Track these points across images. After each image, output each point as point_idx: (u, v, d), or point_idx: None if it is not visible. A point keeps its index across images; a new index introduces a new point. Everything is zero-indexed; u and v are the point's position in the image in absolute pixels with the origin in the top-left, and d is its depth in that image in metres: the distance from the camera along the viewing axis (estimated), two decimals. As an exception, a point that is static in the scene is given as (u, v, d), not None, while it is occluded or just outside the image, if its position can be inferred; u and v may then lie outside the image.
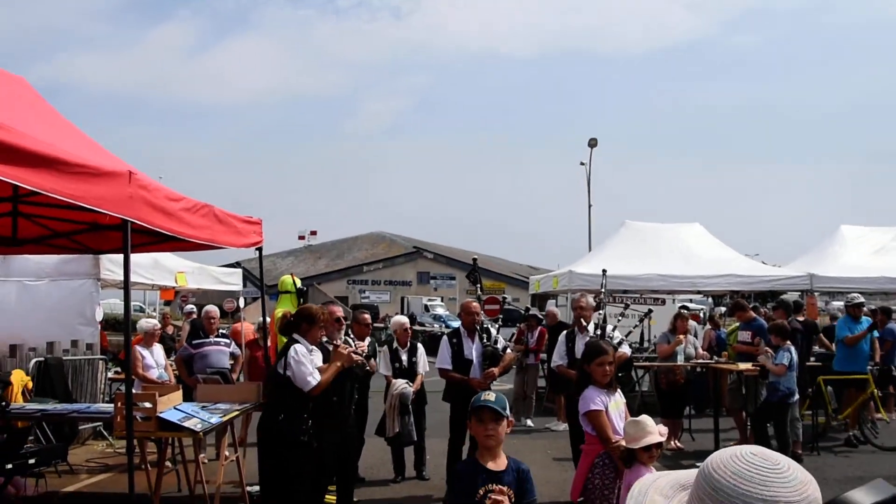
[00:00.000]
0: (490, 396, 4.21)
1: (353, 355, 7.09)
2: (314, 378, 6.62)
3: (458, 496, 4.07)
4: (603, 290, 11.31)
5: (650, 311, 11.46)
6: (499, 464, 4.12)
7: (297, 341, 6.83)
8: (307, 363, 6.65)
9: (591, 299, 9.45)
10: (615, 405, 5.92)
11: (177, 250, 10.13)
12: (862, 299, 12.81)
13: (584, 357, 6.11)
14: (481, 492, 3.94)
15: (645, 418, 5.28)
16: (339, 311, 7.97)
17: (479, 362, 8.88)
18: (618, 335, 9.48)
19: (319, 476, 7.59)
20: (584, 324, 9.10)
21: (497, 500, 3.81)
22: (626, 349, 9.39)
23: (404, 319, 10.71)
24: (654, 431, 5.11)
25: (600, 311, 9.71)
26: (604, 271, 11.97)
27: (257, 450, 7.14)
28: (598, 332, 9.07)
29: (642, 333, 13.00)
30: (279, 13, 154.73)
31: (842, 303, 17.64)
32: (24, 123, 5.25)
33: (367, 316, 9.44)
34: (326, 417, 7.41)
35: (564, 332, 9.53)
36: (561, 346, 9.22)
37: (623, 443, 5.35)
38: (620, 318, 10.77)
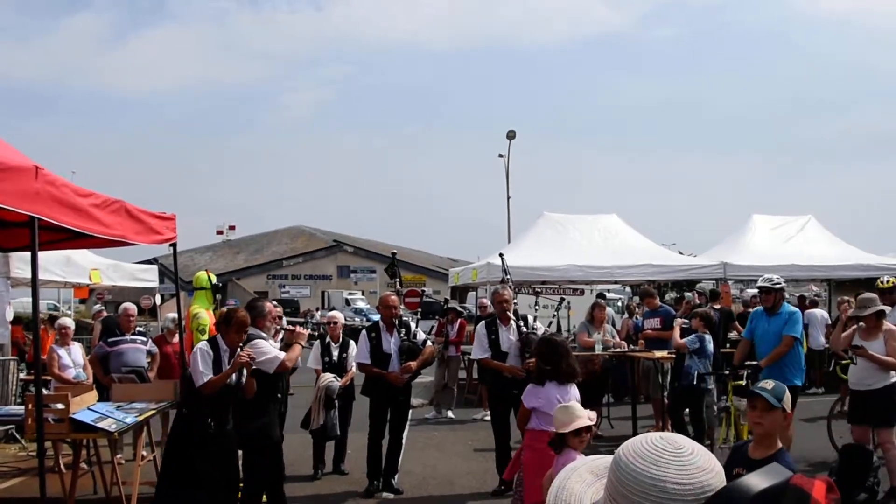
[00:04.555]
0: (768, 385, 4.19)
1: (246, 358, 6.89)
2: (203, 378, 6.66)
3: None
4: (506, 275, 11.28)
5: (562, 299, 11.48)
6: (763, 453, 4.05)
7: (214, 342, 6.92)
8: (201, 362, 6.71)
9: (510, 291, 9.46)
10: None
11: (88, 247, 9.93)
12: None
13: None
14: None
15: (574, 404, 5.35)
16: (274, 308, 7.97)
17: (398, 356, 8.87)
18: (540, 326, 9.51)
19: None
20: (509, 315, 9.08)
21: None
22: None
23: (337, 314, 10.70)
24: (584, 416, 5.14)
25: (515, 301, 9.75)
26: (501, 255, 11.93)
27: (164, 447, 7.14)
28: (521, 322, 9.07)
29: (559, 323, 13.15)
30: (196, 3, 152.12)
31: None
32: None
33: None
34: (268, 418, 7.41)
35: (482, 322, 9.52)
36: (482, 338, 9.10)
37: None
38: (536, 308, 10.79)
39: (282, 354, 7.31)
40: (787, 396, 4.22)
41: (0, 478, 9.75)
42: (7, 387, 11.64)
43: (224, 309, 8.08)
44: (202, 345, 6.88)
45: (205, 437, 6.69)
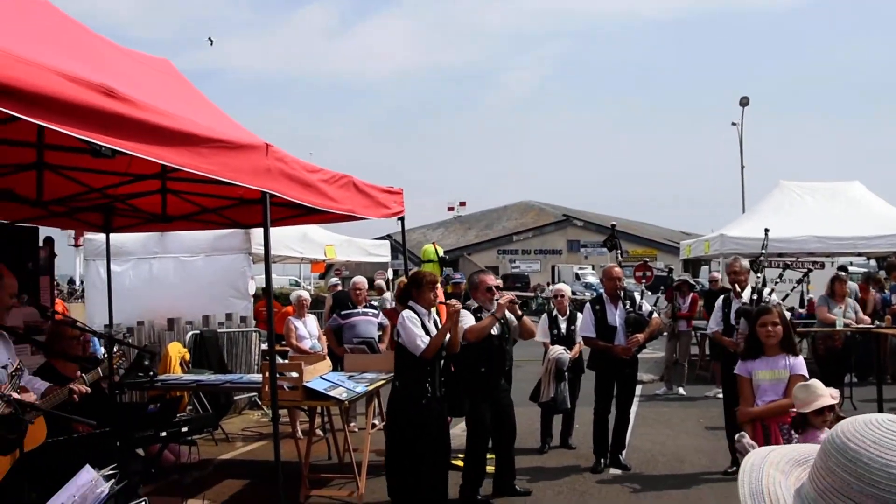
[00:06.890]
0: None
1: (460, 310, 6.84)
2: (423, 341, 6.58)
3: None
4: (764, 251, 10.76)
5: (809, 271, 10.90)
6: None
7: (411, 307, 6.84)
8: (414, 327, 6.63)
9: (745, 262, 9.07)
10: (771, 374, 5.79)
11: (319, 223, 10.21)
12: None
13: (752, 319, 6.07)
14: None
15: (815, 382, 5.08)
16: (489, 279, 7.82)
17: (624, 329, 8.69)
18: (775, 299, 9.07)
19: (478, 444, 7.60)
20: (740, 289, 8.73)
21: None
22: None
23: (564, 287, 10.60)
24: (826, 394, 4.89)
25: (759, 275, 9.32)
26: (766, 231, 11.38)
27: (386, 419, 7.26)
28: (755, 296, 8.71)
29: (801, 296, 12.52)
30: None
31: None
32: (167, 103, 5.35)
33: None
34: (477, 388, 7.40)
35: (721, 297, 9.20)
36: (717, 311, 8.85)
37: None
38: (778, 280, 10.28)
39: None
40: None
41: (243, 441, 10.35)
42: (251, 357, 12.27)
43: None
44: (407, 312, 6.76)
45: (422, 404, 6.69)
